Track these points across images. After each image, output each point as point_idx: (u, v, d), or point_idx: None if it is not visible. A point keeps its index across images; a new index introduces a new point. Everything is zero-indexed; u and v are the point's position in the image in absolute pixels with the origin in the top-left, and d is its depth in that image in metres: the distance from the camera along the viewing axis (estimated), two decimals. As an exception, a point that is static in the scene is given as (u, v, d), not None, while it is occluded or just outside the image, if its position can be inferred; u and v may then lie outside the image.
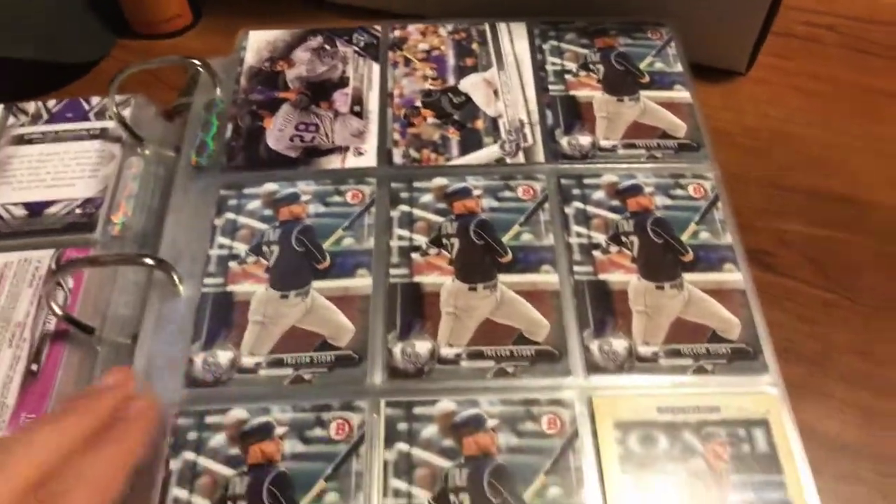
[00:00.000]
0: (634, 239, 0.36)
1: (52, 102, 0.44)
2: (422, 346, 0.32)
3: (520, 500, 0.28)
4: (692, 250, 0.35)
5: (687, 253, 0.35)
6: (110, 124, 0.42)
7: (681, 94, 0.42)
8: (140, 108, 0.43)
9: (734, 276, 0.35)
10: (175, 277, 0.34)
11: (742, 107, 0.49)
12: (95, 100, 0.44)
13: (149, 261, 0.33)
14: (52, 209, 0.39)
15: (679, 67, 0.43)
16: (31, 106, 0.44)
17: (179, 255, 0.35)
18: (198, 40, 0.53)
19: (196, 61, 0.41)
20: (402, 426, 0.30)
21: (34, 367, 0.34)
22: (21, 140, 0.42)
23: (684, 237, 0.36)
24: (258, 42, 0.45)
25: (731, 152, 0.45)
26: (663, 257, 0.35)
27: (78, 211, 0.39)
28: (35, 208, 0.39)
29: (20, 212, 0.39)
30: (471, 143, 0.40)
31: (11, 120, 0.43)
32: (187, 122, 0.41)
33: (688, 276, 0.35)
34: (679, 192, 0.38)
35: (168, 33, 0.53)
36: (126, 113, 0.42)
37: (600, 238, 0.36)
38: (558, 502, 0.28)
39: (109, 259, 0.36)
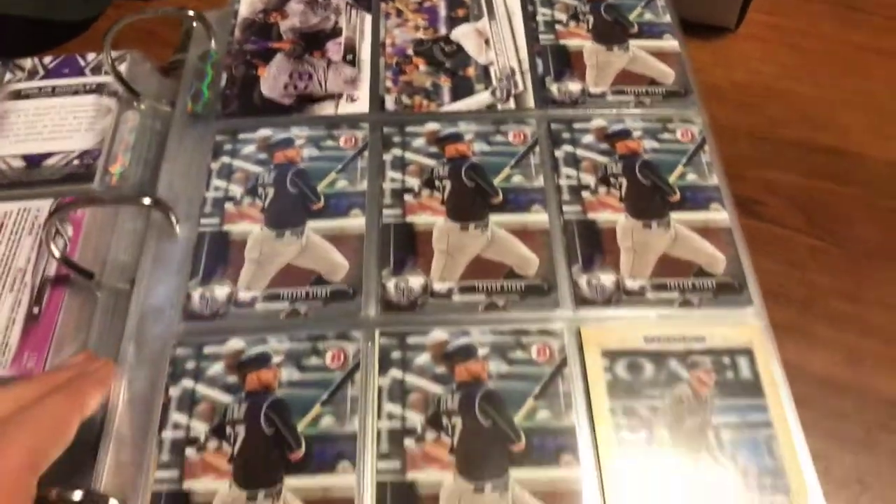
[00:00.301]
0: (623, 180, 0.36)
1: (48, 59, 0.44)
2: (415, 281, 0.33)
3: (510, 423, 0.29)
4: (679, 191, 0.36)
5: (674, 193, 0.36)
6: (106, 79, 0.43)
7: (669, 43, 0.42)
8: (136, 64, 0.43)
9: (720, 214, 0.35)
10: (172, 217, 0.34)
11: (733, 63, 0.50)
12: (91, 56, 0.44)
13: (146, 200, 0.34)
14: (51, 161, 0.39)
15: (667, 18, 0.43)
16: (27, 62, 0.44)
17: (176, 197, 0.36)
18: (193, -1, 0.54)
19: (191, 13, 0.42)
20: (396, 354, 0.31)
21: (35, 310, 0.34)
22: (18, 95, 0.42)
23: (671, 178, 0.36)
24: (252, -5, 0.45)
25: (722, 106, 0.46)
26: (651, 197, 0.36)
27: (76, 162, 0.39)
28: (33, 160, 0.39)
29: (18, 163, 0.39)
30: (462, 90, 0.40)
31: (8, 76, 0.43)
32: (183, 72, 0.42)
33: (675, 215, 0.35)
34: (667, 135, 0.38)
35: (163, -7, 0.53)
36: (122, 68, 0.42)
37: (589, 179, 0.36)
38: (547, 424, 0.29)
39: (107, 198, 0.37)
